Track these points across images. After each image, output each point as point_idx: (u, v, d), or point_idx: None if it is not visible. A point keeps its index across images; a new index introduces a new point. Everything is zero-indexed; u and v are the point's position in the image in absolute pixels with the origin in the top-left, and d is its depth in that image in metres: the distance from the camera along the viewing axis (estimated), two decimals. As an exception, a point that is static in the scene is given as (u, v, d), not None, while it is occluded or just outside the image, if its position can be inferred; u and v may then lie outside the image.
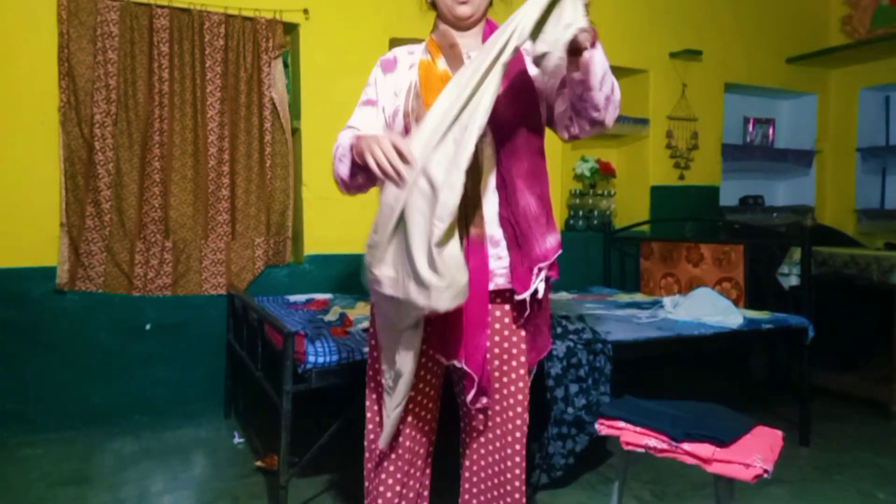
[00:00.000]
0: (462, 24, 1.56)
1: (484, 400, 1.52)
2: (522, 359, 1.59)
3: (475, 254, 1.46)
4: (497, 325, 1.58)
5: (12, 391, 2.97)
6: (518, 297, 1.52)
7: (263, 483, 2.55)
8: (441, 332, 1.50)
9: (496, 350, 1.58)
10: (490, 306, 1.54)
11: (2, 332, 2.96)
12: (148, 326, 3.20)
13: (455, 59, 1.54)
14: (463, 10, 1.53)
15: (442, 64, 1.54)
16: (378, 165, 1.29)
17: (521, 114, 1.50)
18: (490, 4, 1.60)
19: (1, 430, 2.95)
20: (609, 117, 1.46)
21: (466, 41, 1.57)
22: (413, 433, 1.61)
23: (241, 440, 3.02)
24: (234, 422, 3.28)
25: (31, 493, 2.46)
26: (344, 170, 1.50)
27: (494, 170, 1.50)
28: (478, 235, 1.47)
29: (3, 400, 2.96)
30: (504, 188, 1.50)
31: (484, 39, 1.58)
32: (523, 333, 1.58)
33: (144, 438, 3.03)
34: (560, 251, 1.55)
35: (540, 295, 1.55)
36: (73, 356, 3.07)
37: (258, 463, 2.67)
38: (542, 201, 1.53)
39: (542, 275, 1.53)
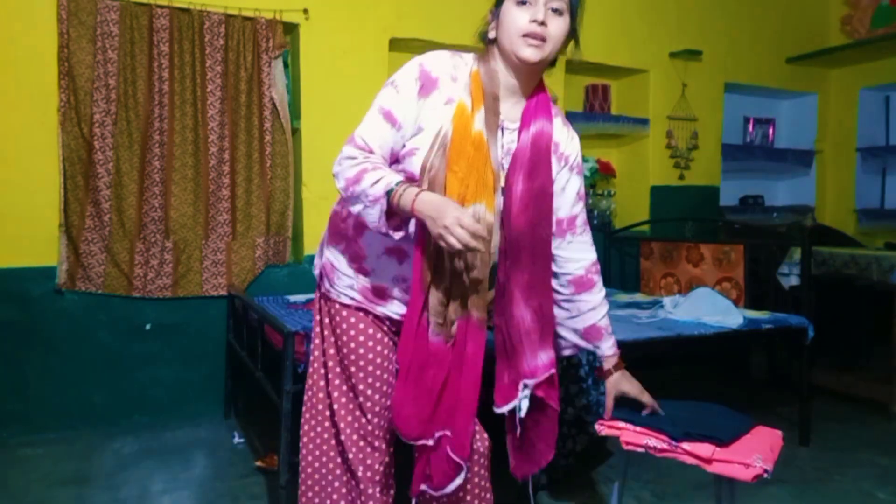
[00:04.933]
0: (524, 69, 1.38)
1: (459, 481, 1.43)
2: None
3: (473, 336, 1.40)
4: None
5: (12, 391, 2.97)
6: (497, 410, 1.47)
7: (263, 483, 2.55)
8: (420, 412, 1.39)
9: None
10: None
11: (2, 332, 2.95)
12: (148, 326, 3.20)
13: (492, 118, 1.37)
14: (529, 55, 1.32)
15: (479, 122, 1.35)
16: (462, 245, 1.20)
17: (532, 220, 1.40)
18: (557, 57, 1.41)
19: (1, 430, 2.95)
20: None
21: (508, 100, 1.41)
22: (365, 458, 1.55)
23: (241, 440, 3.01)
24: (234, 422, 3.28)
25: (31, 493, 2.46)
26: (375, 216, 1.31)
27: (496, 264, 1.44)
28: (479, 319, 1.40)
29: (3, 400, 2.96)
30: (501, 296, 1.44)
31: (527, 111, 1.42)
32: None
33: (144, 438, 3.03)
34: (553, 370, 1.47)
35: (522, 413, 1.47)
36: (73, 356, 3.07)
37: (258, 463, 2.67)
38: (540, 315, 1.45)
39: (527, 392, 1.45)
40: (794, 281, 3.70)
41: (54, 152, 3.00)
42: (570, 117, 4.14)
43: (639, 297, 3.72)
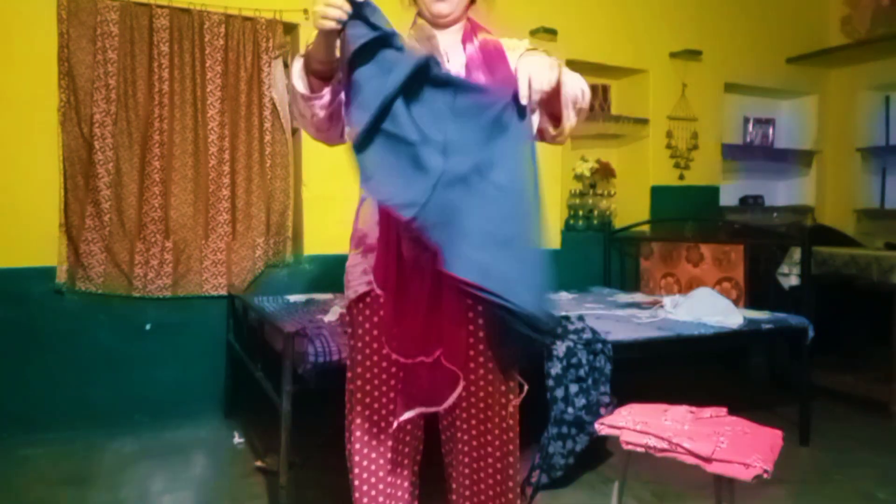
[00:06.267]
0: (439, 23, 1.53)
1: (459, 390, 1.47)
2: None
3: None
4: (472, 327, 1.53)
5: (12, 391, 2.97)
6: None
7: (263, 483, 2.55)
8: (412, 329, 1.43)
9: (477, 348, 1.54)
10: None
11: (2, 332, 2.95)
12: (148, 326, 3.20)
13: (433, 52, 1.48)
14: (440, 8, 1.50)
15: None
16: (328, 16, 1.25)
17: None
18: (471, 3, 1.57)
19: (1, 431, 2.95)
20: (573, 121, 1.46)
21: (445, 38, 1.54)
22: (398, 433, 1.60)
23: (241, 440, 3.02)
24: (234, 422, 3.28)
25: (31, 493, 2.46)
26: (302, 86, 1.42)
27: None
28: None
29: (3, 400, 2.96)
30: None
31: (464, 39, 1.55)
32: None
33: (144, 438, 3.03)
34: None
35: None
36: (73, 356, 3.07)
37: (258, 463, 2.67)
38: None
39: None
40: (794, 281, 3.70)
41: (54, 152, 3.00)
42: (570, 117, 4.16)
43: (639, 297, 3.72)
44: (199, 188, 3.26)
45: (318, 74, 1.40)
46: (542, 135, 1.53)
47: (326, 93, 1.41)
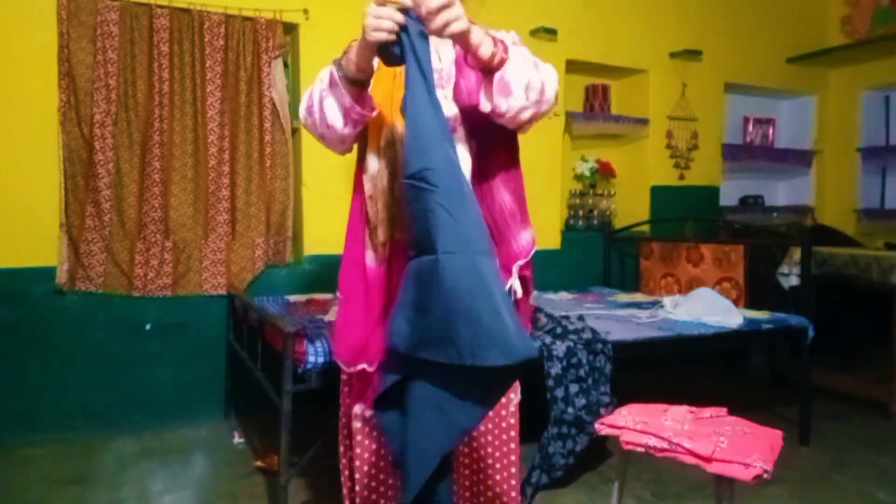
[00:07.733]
0: None
1: None
2: None
3: (399, 258, 1.42)
4: None
5: (12, 391, 2.97)
6: None
7: (263, 483, 2.55)
8: (363, 334, 1.47)
9: None
10: None
11: (2, 332, 2.95)
12: (148, 326, 3.20)
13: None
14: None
15: None
16: (383, 28, 1.23)
17: None
18: None
19: (1, 431, 2.95)
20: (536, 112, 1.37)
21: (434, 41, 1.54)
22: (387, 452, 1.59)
23: (241, 440, 3.02)
24: (234, 422, 3.28)
25: (31, 493, 2.46)
26: (340, 98, 1.39)
27: (469, 166, 1.45)
28: (404, 241, 1.39)
29: (3, 400, 2.96)
30: (481, 185, 1.45)
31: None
32: None
33: (144, 438, 3.03)
34: (535, 248, 1.51)
35: (519, 295, 1.49)
36: (73, 356, 3.07)
37: (258, 463, 2.67)
38: (517, 196, 1.50)
39: (516, 273, 1.47)
40: (794, 281, 3.70)
41: (54, 152, 3.00)
42: (570, 117, 4.17)
43: (639, 297, 3.72)
44: (199, 188, 3.26)
45: (355, 82, 1.38)
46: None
47: (361, 112, 1.42)
